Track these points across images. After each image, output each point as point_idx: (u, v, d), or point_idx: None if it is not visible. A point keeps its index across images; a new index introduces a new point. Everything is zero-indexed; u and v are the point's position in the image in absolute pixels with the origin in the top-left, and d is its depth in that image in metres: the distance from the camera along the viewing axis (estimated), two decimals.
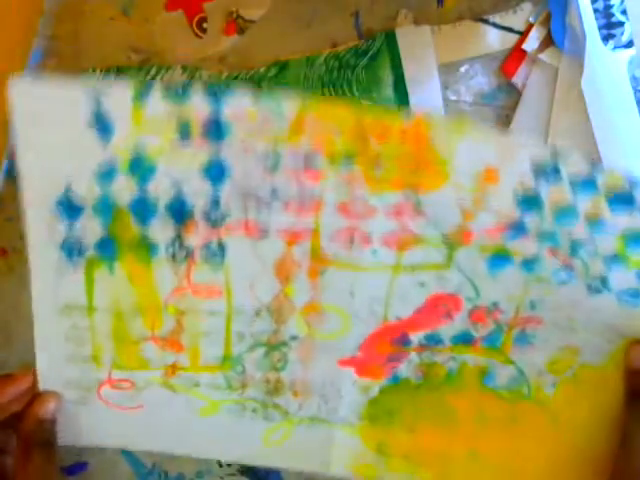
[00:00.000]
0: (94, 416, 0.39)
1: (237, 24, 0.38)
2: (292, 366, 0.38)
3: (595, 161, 0.34)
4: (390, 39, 0.38)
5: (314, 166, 0.34)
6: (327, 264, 0.36)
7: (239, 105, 0.33)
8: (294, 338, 0.38)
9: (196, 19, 0.38)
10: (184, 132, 0.33)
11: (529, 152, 0.34)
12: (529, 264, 0.36)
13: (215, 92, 0.33)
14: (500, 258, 0.36)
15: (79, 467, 0.42)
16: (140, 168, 0.34)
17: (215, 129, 0.33)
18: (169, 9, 0.38)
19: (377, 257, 0.35)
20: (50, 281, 0.36)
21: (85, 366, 0.38)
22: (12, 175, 0.40)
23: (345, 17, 0.38)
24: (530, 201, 0.34)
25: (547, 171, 0.34)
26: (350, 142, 0.33)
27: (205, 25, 0.38)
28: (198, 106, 0.33)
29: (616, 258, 0.35)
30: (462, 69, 0.38)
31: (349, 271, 0.36)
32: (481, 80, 0.38)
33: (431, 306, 0.37)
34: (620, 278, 0.35)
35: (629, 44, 0.38)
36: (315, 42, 0.40)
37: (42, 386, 0.38)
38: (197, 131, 0.33)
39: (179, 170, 0.34)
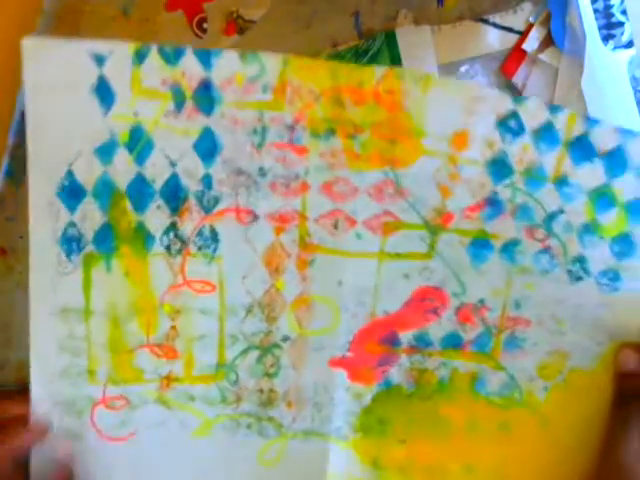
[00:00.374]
0: (85, 453, 0.40)
1: (237, 24, 0.39)
2: (285, 372, 0.39)
3: (552, 104, 0.36)
4: (390, 39, 0.38)
5: (298, 140, 0.36)
6: (314, 251, 0.37)
7: (228, 67, 0.35)
8: (286, 339, 0.38)
9: (196, 19, 0.38)
10: (178, 97, 0.35)
11: (492, 104, 0.36)
12: (510, 250, 0.37)
13: (205, 54, 0.35)
14: (481, 245, 0.37)
15: None
16: (138, 141, 0.36)
17: (206, 95, 0.35)
18: (169, 9, 0.38)
19: (362, 241, 0.36)
20: (49, 282, 0.37)
21: (79, 381, 0.38)
22: (12, 175, 0.40)
23: (345, 17, 0.38)
24: (499, 164, 0.36)
25: (511, 125, 0.36)
26: (329, 107, 0.35)
27: (205, 25, 0.38)
28: (190, 68, 0.35)
29: (588, 228, 0.36)
30: (462, 69, 0.38)
31: (336, 256, 0.37)
32: (481, 80, 0.38)
33: (417, 300, 0.38)
34: (597, 255, 0.36)
35: (629, 44, 0.38)
36: (315, 42, 0.41)
37: (35, 408, 0.38)
38: (189, 95, 0.35)
39: (173, 146, 0.36)
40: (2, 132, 0.38)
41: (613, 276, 0.37)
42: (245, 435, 0.40)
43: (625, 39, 0.37)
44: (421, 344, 0.39)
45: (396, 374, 0.39)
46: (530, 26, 0.38)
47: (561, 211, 0.36)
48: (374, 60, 0.40)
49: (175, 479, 0.41)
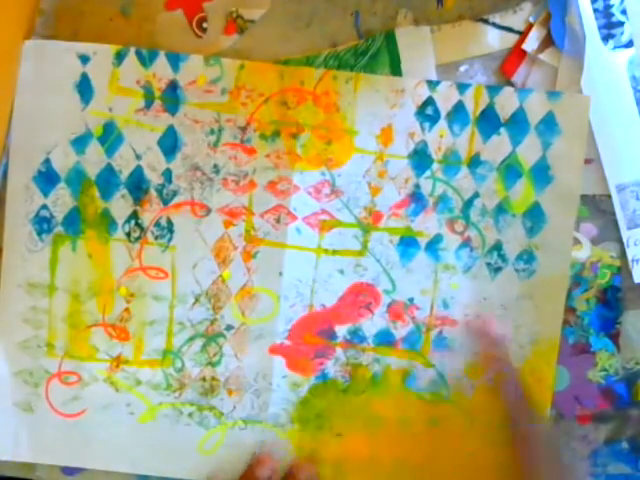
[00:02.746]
0: (37, 427, 0.44)
1: (237, 24, 0.41)
2: (227, 360, 0.44)
3: (461, 83, 0.43)
4: (390, 39, 0.43)
5: (248, 141, 0.43)
6: (258, 244, 0.43)
7: (192, 69, 0.42)
8: (229, 328, 0.44)
9: (196, 19, 0.41)
10: (148, 97, 0.43)
11: (411, 94, 0.42)
12: (434, 248, 0.43)
13: (175, 57, 0.42)
14: (408, 243, 0.43)
15: (79, 467, 0.46)
16: (110, 135, 0.42)
17: (172, 95, 0.42)
18: (169, 9, 0.40)
19: (301, 236, 0.43)
20: (20, 257, 0.43)
21: (38, 353, 0.44)
22: None
23: (345, 17, 0.42)
24: (421, 155, 0.42)
25: (428, 112, 0.42)
26: (275, 108, 0.42)
27: (205, 25, 0.41)
28: (161, 70, 0.42)
29: (502, 207, 0.42)
30: (462, 69, 0.41)
31: (277, 249, 0.43)
32: (481, 80, 0.43)
33: (352, 295, 0.43)
34: (511, 237, 0.43)
35: (629, 44, 0.41)
36: (315, 42, 0.45)
37: None
38: (158, 95, 0.42)
39: (140, 141, 0.43)
40: (1, 132, 0.38)
41: (528, 257, 0.43)
42: (187, 424, 0.44)
43: (625, 39, 0.40)
44: (355, 339, 0.44)
45: (332, 368, 0.44)
46: (530, 26, 0.42)
47: (476, 195, 0.43)
48: (374, 60, 0.46)
49: (118, 462, 0.44)
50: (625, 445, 0.45)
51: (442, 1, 0.44)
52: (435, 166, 0.43)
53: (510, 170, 0.43)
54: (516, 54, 0.44)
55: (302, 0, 0.44)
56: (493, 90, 0.43)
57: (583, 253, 0.44)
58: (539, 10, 0.44)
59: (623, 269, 0.44)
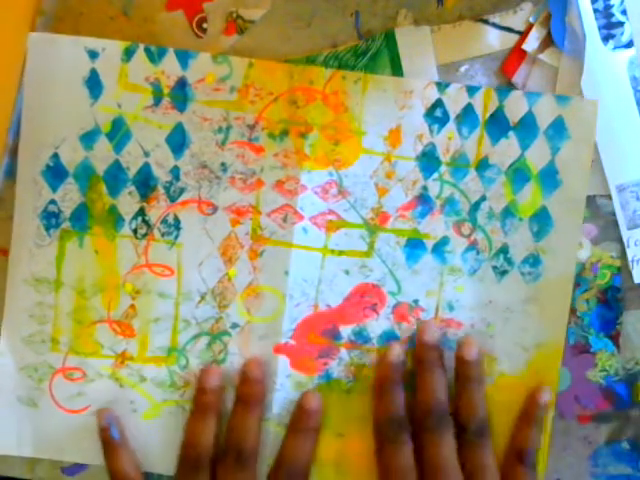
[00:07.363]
0: (41, 423, 0.44)
1: (237, 24, 0.41)
2: (231, 358, 0.44)
3: (469, 85, 0.43)
4: (390, 39, 0.45)
5: (256, 140, 0.43)
6: (265, 243, 0.43)
7: (201, 67, 0.43)
8: (235, 326, 0.44)
9: (196, 19, 0.41)
10: (157, 93, 0.43)
11: (420, 95, 0.42)
12: (440, 250, 0.43)
13: (183, 54, 0.43)
14: (414, 245, 0.43)
15: (79, 467, 0.46)
16: (119, 131, 0.43)
17: (181, 92, 0.43)
18: (169, 9, 0.40)
19: (307, 236, 0.43)
20: (27, 252, 0.44)
21: (43, 349, 0.44)
22: (12, 175, 0.45)
23: (345, 17, 0.43)
24: (429, 157, 0.43)
25: (437, 114, 0.42)
26: (284, 107, 0.43)
27: (205, 25, 0.41)
28: (170, 67, 0.43)
29: (509, 211, 0.43)
30: (462, 69, 0.42)
31: (284, 248, 0.43)
32: (481, 80, 0.43)
33: (357, 296, 0.44)
34: (518, 240, 0.43)
35: (629, 44, 0.42)
36: (315, 42, 0.45)
37: (2, 372, 0.45)
38: (166, 92, 0.43)
39: (148, 138, 0.43)
40: (2, 132, 0.39)
41: (534, 261, 0.43)
42: None
43: (625, 39, 0.41)
44: (360, 340, 0.44)
45: (336, 368, 0.44)
46: (530, 26, 0.43)
47: (483, 198, 0.43)
48: (374, 60, 0.46)
49: None
50: (626, 445, 0.45)
51: (442, 1, 0.44)
52: (443, 168, 0.43)
53: (518, 174, 0.43)
54: (516, 54, 0.44)
55: (302, 0, 0.44)
56: (502, 93, 0.43)
57: (583, 253, 0.44)
58: (539, 10, 0.44)
59: (623, 269, 0.44)
